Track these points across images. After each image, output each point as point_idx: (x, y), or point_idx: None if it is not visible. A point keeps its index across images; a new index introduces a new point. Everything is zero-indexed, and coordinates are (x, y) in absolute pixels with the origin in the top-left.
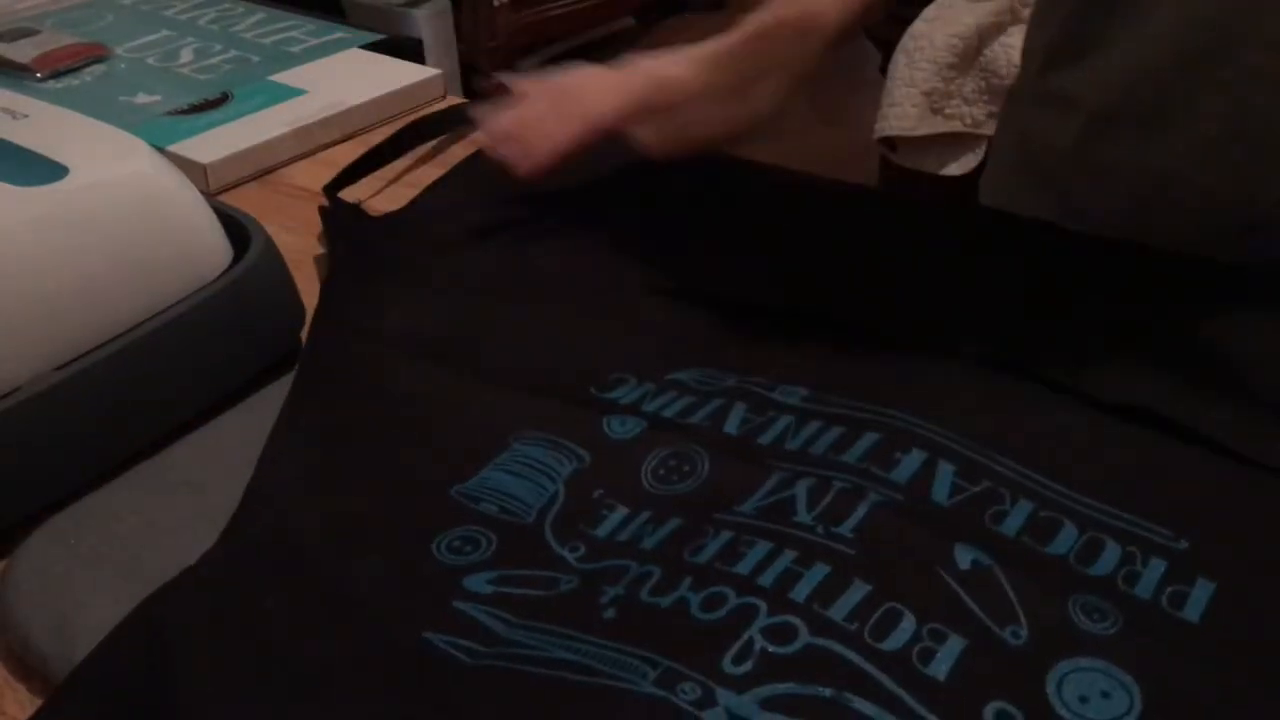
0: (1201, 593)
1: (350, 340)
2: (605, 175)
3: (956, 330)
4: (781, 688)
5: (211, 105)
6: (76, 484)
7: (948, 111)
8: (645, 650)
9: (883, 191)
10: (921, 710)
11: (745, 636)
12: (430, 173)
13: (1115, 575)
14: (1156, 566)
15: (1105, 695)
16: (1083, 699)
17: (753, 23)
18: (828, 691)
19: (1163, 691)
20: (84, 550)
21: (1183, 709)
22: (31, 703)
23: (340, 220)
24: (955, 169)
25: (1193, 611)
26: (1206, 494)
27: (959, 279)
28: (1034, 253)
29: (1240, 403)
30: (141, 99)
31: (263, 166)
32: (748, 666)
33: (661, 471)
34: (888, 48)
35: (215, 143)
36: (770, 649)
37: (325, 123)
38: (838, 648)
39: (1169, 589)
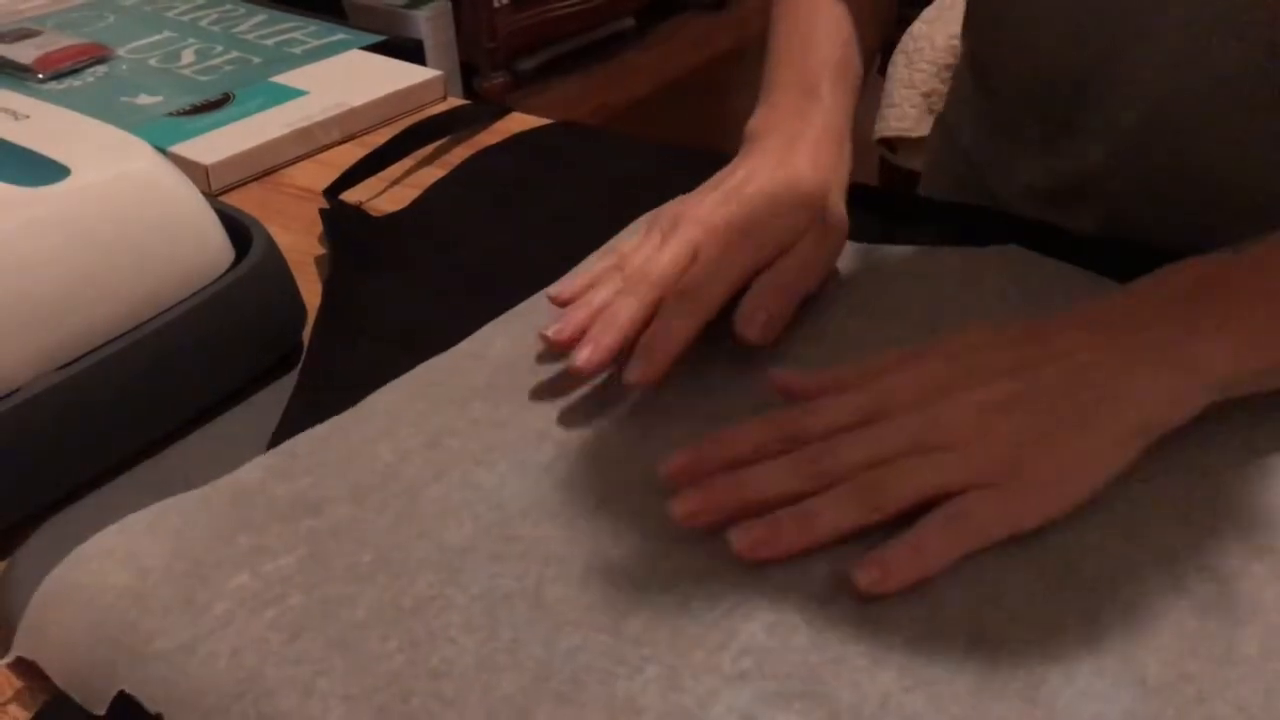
0: None
1: (352, 341)
2: (606, 175)
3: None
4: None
5: (213, 106)
6: (76, 484)
7: None
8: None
9: (883, 191)
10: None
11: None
12: (431, 174)
13: None
14: None
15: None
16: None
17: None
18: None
19: None
20: None
21: None
22: (32, 702)
23: (341, 221)
24: None
25: None
26: None
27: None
28: (1036, 252)
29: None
30: (143, 100)
31: (264, 167)
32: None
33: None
34: (887, 48)
35: (217, 143)
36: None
37: (326, 123)
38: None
39: None
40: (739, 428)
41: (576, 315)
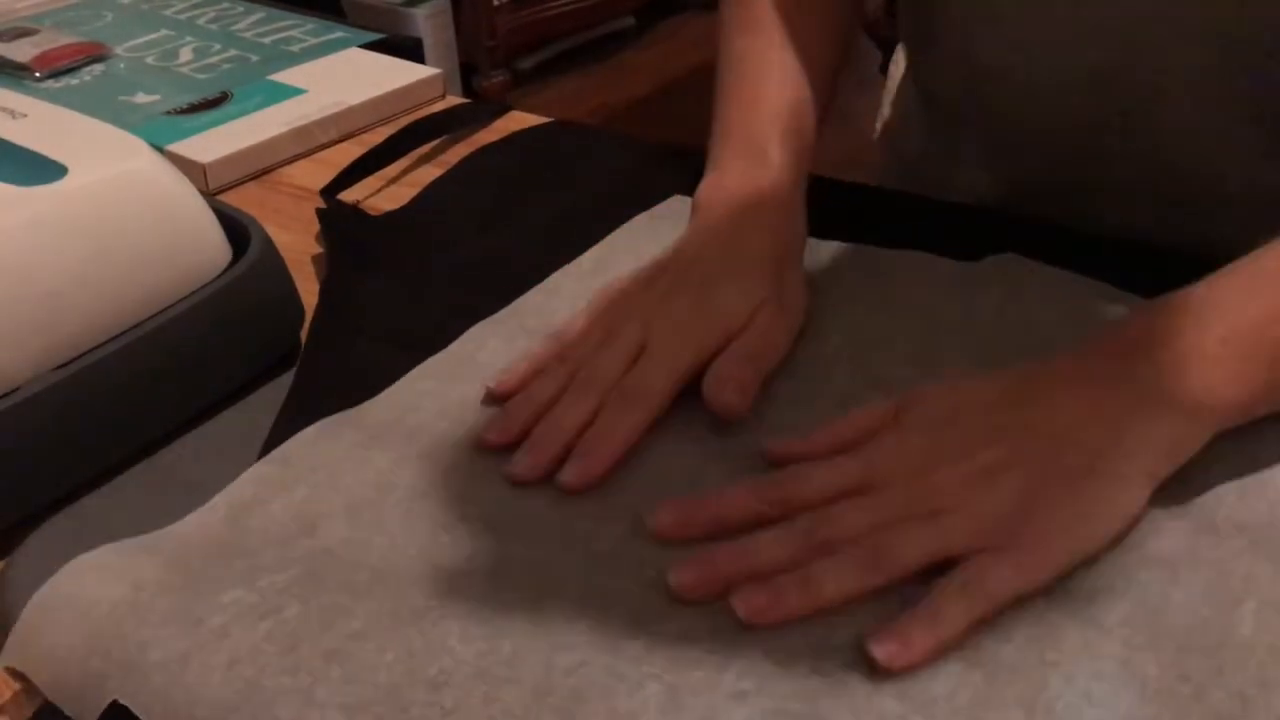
0: None
1: (350, 340)
2: (605, 174)
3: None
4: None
5: (211, 104)
6: (76, 484)
7: None
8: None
9: (882, 190)
10: None
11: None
12: (429, 172)
13: None
14: None
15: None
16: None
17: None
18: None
19: None
20: (85, 550)
21: None
22: (31, 702)
23: (339, 220)
24: None
25: None
26: None
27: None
28: (1038, 253)
29: None
30: (140, 98)
31: (262, 166)
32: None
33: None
34: (888, 47)
35: (214, 142)
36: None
37: (324, 122)
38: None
39: None
40: (728, 491)
41: (519, 414)
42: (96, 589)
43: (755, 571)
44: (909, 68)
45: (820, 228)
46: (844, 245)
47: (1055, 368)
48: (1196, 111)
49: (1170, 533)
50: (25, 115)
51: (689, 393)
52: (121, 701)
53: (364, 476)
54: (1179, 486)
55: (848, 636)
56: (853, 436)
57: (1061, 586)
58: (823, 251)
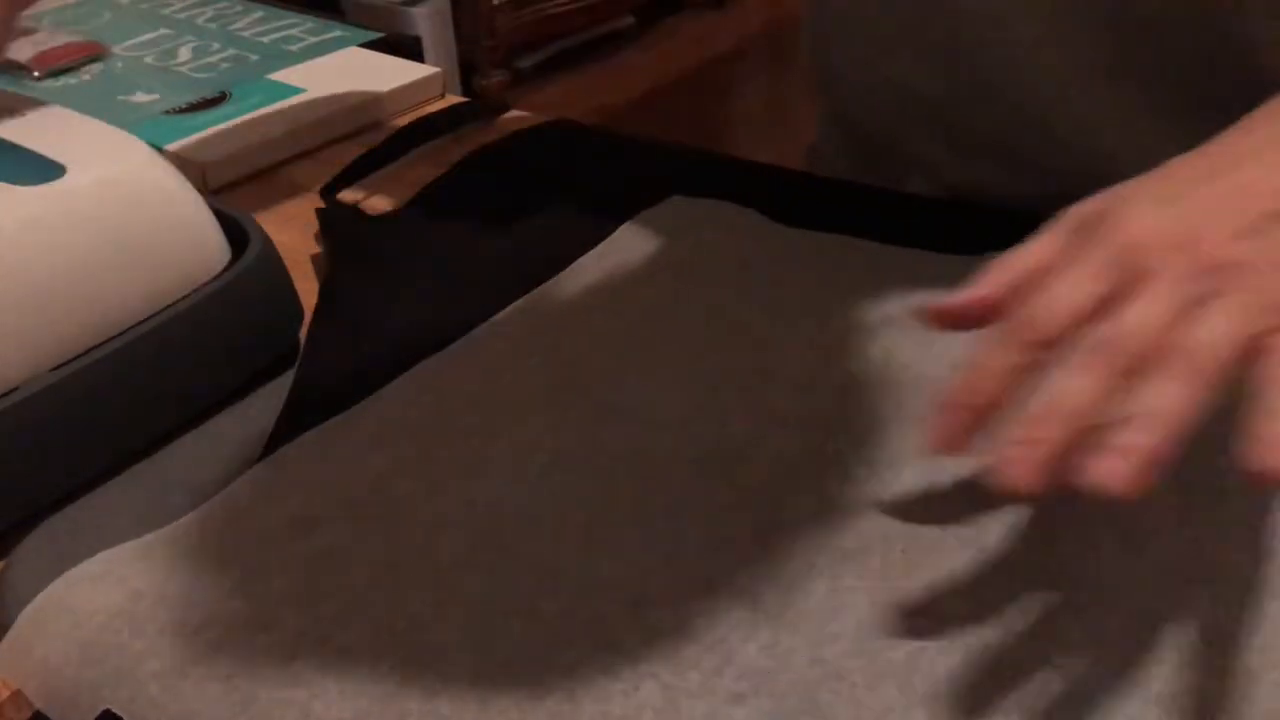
0: None
1: (350, 340)
2: (605, 173)
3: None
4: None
5: (210, 104)
6: (76, 484)
7: None
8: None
9: (884, 189)
10: None
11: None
12: (429, 172)
13: None
14: None
15: None
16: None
17: None
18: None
19: None
20: (84, 550)
21: None
22: (30, 704)
23: (339, 220)
24: None
25: None
26: None
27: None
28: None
29: None
30: (139, 98)
31: (261, 165)
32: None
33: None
34: None
35: (213, 142)
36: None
37: (324, 121)
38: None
39: None
40: (975, 363)
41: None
42: (92, 599)
43: (1080, 428)
44: (819, 96)
45: (815, 224)
46: (845, 241)
47: (1246, 133)
48: (1079, 94)
49: (1177, 544)
50: (24, 115)
51: (693, 345)
52: (115, 711)
53: (362, 477)
54: (1182, 493)
55: (848, 629)
56: (1029, 277)
57: (1066, 593)
58: (825, 248)
